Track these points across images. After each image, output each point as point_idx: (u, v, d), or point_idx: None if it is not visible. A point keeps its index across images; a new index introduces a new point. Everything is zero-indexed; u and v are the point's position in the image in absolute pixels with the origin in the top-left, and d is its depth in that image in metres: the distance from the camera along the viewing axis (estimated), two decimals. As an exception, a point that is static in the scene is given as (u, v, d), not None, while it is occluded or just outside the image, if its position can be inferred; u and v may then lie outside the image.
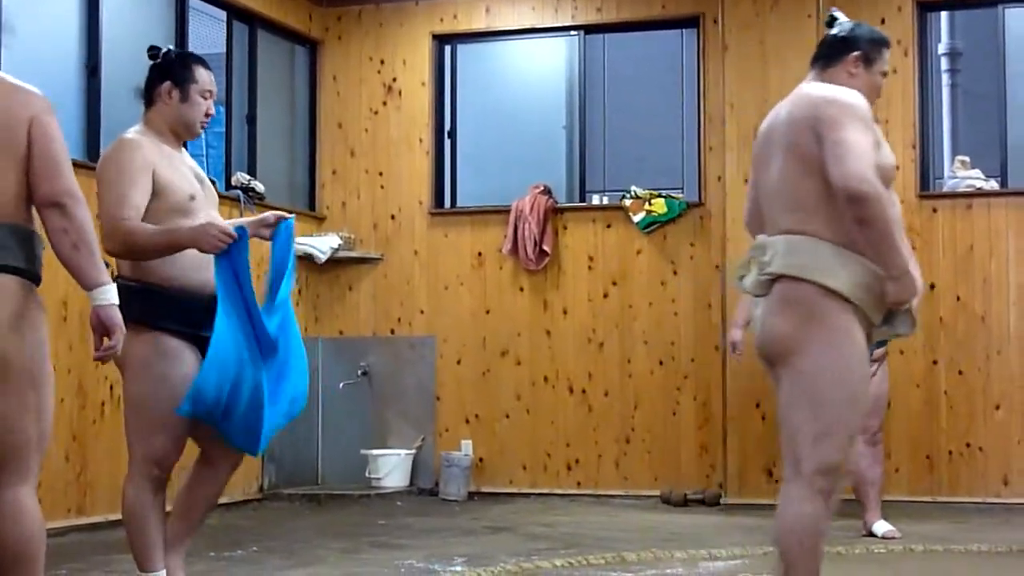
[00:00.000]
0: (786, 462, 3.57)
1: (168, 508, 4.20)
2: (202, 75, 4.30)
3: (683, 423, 8.56)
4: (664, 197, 8.71)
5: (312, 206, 9.34)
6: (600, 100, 12.06)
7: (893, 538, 6.36)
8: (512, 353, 8.88)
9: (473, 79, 9.49)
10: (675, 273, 8.64)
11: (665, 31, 9.67)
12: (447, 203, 9.27)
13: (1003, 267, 8.06)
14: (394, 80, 9.27)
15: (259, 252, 5.09)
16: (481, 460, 8.85)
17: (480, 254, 8.99)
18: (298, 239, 8.74)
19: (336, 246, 9.03)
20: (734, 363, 8.06)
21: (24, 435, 3.23)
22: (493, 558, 5.87)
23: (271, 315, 4.15)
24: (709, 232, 8.56)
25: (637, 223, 8.68)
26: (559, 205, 8.90)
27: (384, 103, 9.28)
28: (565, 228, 8.87)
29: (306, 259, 8.93)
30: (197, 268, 4.12)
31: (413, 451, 8.91)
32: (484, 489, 8.76)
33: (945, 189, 8.49)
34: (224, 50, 8.50)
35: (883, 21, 7.98)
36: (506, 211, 8.87)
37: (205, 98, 4.30)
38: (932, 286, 7.96)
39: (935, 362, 8.08)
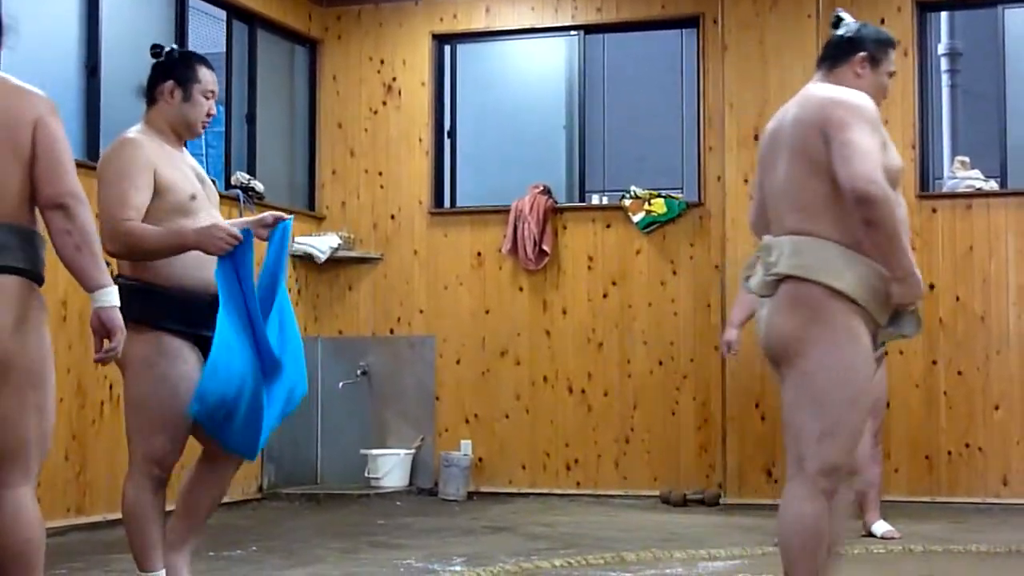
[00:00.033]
0: (789, 461, 3.59)
1: (168, 508, 4.20)
2: (205, 75, 4.29)
3: (682, 423, 8.56)
4: (664, 197, 8.71)
5: (312, 206, 9.34)
6: (600, 100, 12.06)
7: (892, 538, 6.36)
8: (511, 353, 8.88)
9: (473, 79, 9.49)
10: (674, 273, 8.64)
11: (665, 31, 9.67)
12: (447, 203, 9.28)
13: (1002, 267, 8.06)
14: (394, 80, 9.27)
15: (258, 253, 5.07)
16: (480, 460, 8.85)
17: (480, 254, 8.99)
18: (298, 239, 8.82)
19: (336, 246, 9.03)
20: (733, 363, 8.07)
21: (26, 435, 3.23)
22: (492, 558, 5.87)
23: (268, 317, 4.14)
24: (708, 232, 8.56)
25: (637, 223, 8.68)
26: (559, 205, 8.90)
27: (384, 103, 9.28)
28: (565, 228, 8.87)
29: (306, 259, 8.93)
30: (198, 267, 4.11)
31: (412, 451, 8.91)
32: (483, 489, 8.77)
33: (945, 189, 8.49)
34: (224, 50, 8.50)
35: (883, 21, 7.97)
36: (506, 211, 8.87)
37: (207, 98, 4.29)
38: (932, 286, 7.97)
39: (934, 362, 8.08)
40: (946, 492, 8.00)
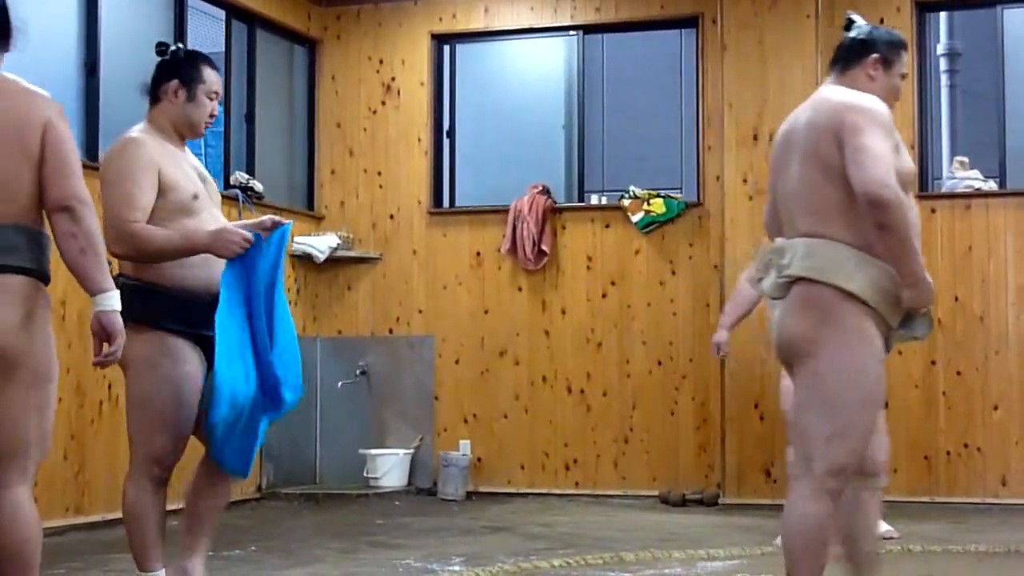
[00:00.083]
0: (797, 460, 3.60)
1: (169, 507, 4.20)
2: (210, 75, 4.28)
3: (681, 423, 8.56)
4: (663, 197, 8.71)
5: (311, 205, 9.34)
6: (599, 100, 12.05)
7: (891, 538, 6.36)
8: (511, 353, 8.88)
9: (472, 79, 9.49)
10: (673, 273, 8.64)
11: (664, 31, 9.66)
12: (446, 203, 9.28)
13: (1002, 268, 8.06)
14: (393, 80, 9.27)
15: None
16: (479, 460, 8.85)
17: (479, 254, 8.99)
18: (297, 238, 8.82)
19: (335, 245, 9.03)
20: (732, 363, 8.07)
21: (26, 435, 3.24)
22: (491, 558, 5.87)
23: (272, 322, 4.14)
24: (708, 232, 8.56)
25: (636, 223, 8.68)
26: (558, 205, 8.90)
27: (383, 103, 9.28)
28: (564, 228, 8.87)
29: (304, 258, 8.93)
30: (199, 267, 4.10)
31: (411, 451, 8.91)
32: (482, 489, 8.76)
33: (944, 190, 8.49)
34: (223, 49, 8.50)
35: (882, 21, 7.97)
36: (505, 211, 8.86)
37: (211, 99, 4.28)
38: (931, 286, 7.96)
39: (933, 362, 8.08)
40: (945, 492, 8.01)
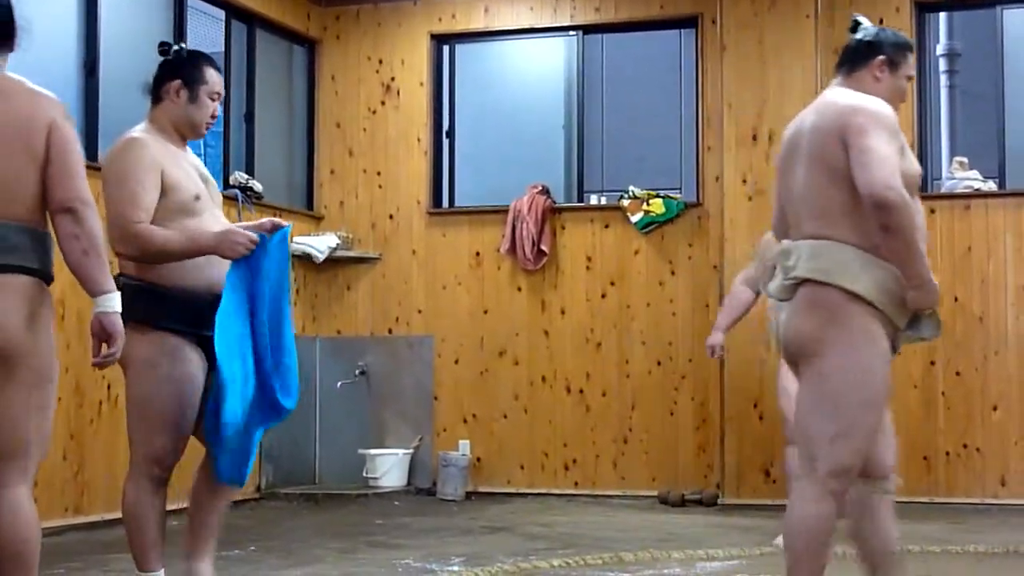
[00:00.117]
0: (801, 460, 3.61)
1: (169, 507, 4.19)
2: (212, 76, 4.27)
3: (681, 423, 8.56)
4: (662, 197, 8.71)
5: (310, 205, 9.34)
6: (598, 100, 12.04)
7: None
8: (510, 353, 8.88)
9: (471, 79, 9.49)
10: (673, 273, 8.64)
11: (663, 31, 9.65)
12: (445, 203, 9.28)
13: (1001, 268, 8.07)
14: (392, 80, 9.27)
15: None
16: (479, 460, 8.85)
17: (478, 254, 8.99)
18: (296, 238, 8.81)
19: (334, 245, 9.03)
20: (732, 363, 8.07)
21: (26, 434, 3.24)
22: (491, 558, 5.87)
23: (282, 327, 4.14)
24: (707, 232, 8.56)
25: (635, 223, 8.68)
26: (557, 205, 8.90)
27: (382, 103, 9.28)
28: (563, 228, 8.87)
29: (304, 258, 8.93)
30: (200, 268, 4.10)
31: (411, 451, 8.91)
32: (482, 489, 8.76)
33: (943, 190, 8.49)
34: (223, 49, 8.50)
35: (881, 21, 7.97)
36: (504, 211, 8.86)
37: (213, 99, 4.27)
38: (930, 287, 7.96)
39: (933, 363, 8.08)
40: (944, 493, 8.01)
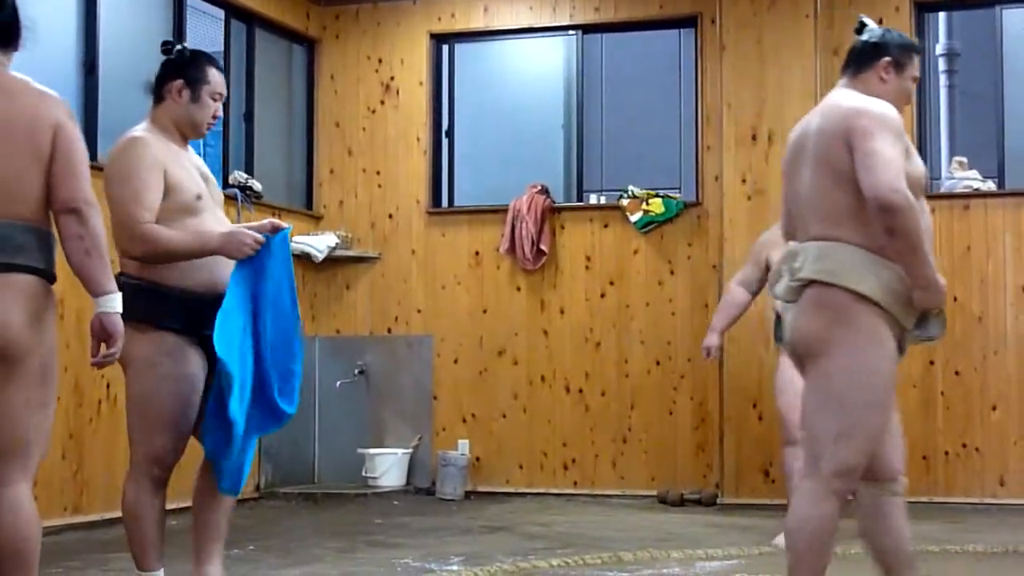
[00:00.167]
0: (805, 460, 3.61)
1: (168, 507, 4.19)
2: (214, 76, 4.27)
3: (680, 423, 8.56)
4: (661, 197, 8.71)
5: (309, 205, 9.34)
6: (598, 100, 12.04)
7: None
8: (509, 352, 8.88)
9: (471, 78, 9.49)
10: (672, 273, 8.64)
11: (663, 31, 9.67)
12: (444, 202, 9.27)
13: (1000, 268, 8.07)
14: (392, 79, 9.27)
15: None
16: (478, 459, 8.85)
17: (477, 253, 8.99)
18: (295, 238, 8.79)
19: (333, 245, 9.03)
20: (731, 363, 8.08)
21: (28, 431, 3.25)
22: (490, 557, 5.87)
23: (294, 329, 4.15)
24: (706, 232, 8.56)
25: (634, 223, 8.68)
26: (556, 204, 8.90)
27: (382, 102, 9.28)
28: (562, 228, 8.87)
29: (303, 258, 8.92)
30: (202, 268, 4.09)
31: (410, 450, 8.91)
32: (481, 488, 8.76)
33: (942, 190, 8.50)
34: (222, 48, 8.50)
35: (880, 21, 7.95)
36: (503, 210, 8.86)
37: (215, 100, 4.27)
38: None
39: (932, 362, 8.08)
40: (943, 492, 8.01)
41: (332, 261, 9.10)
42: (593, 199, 9.61)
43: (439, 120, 9.29)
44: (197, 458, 4.22)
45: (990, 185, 8.30)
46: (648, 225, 8.65)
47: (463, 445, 8.86)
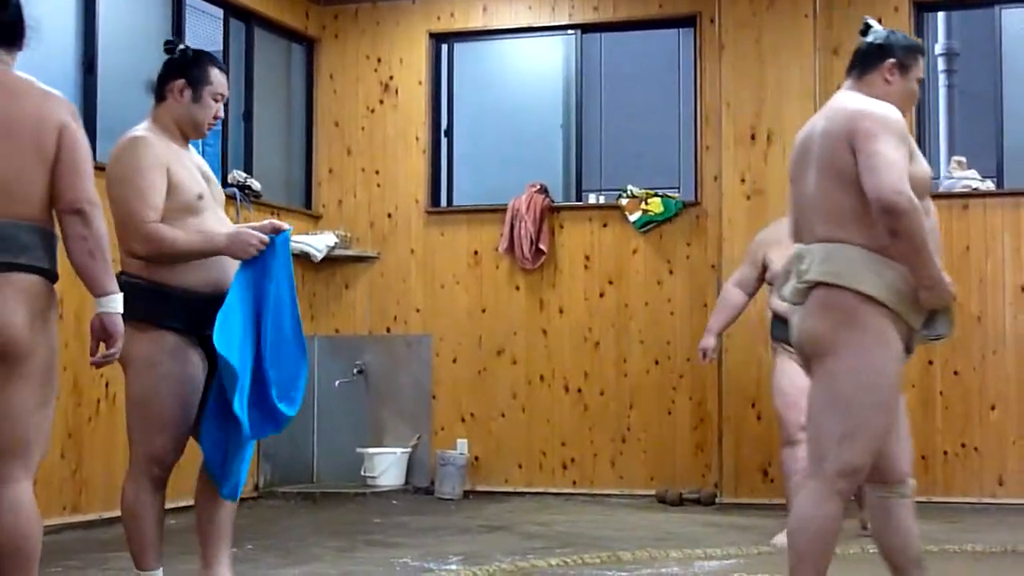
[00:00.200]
0: (809, 460, 3.62)
1: (168, 507, 4.19)
2: (216, 77, 4.28)
3: (679, 422, 8.56)
4: (660, 196, 8.71)
5: (308, 204, 9.34)
6: (597, 99, 12.03)
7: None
8: (508, 352, 8.88)
9: (470, 78, 9.49)
10: (671, 272, 8.64)
11: (662, 30, 9.66)
12: (443, 202, 9.27)
13: (999, 268, 8.07)
14: (391, 78, 9.27)
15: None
16: (477, 459, 8.85)
17: (476, 253, 8.99)
18: (294, 237, 8.77)
19: (332, 244, 9.03)
20: (730, 363, 8.08)
21: (30, 430, 3.26)
22: (488, 557, 5.87)
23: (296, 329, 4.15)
24: (705, 231, 8.56)
25: (633, 222, 8.68)
26: (555, 204, 8.90)
27: (381, 101, 9.28)
28: (561, 227, 8.87)
29: (302, 257, 8.92)
30: (203, 268, 4.09)
31: (409, 450, 8.91)
32: (479, 488, 8.76)
33: (941, 189, 8.49)
34: (221, 47, 8.50)
35: (880, 21, 7.88)
36: (502, 210, 8.86)
37: (216, 100, 4.28)
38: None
39: (931, 362, 8.08)
40: (942, 492, 8.01)
41: (331, 260, 9.10)
42: (592, 199, 9.61)
43: (438, 119, 9.29)
44: (197, 458, 4.22)
45: (989, 185, 8.30)
46: (647, 225, 8.65)
47: (462, 444, 8.86)
